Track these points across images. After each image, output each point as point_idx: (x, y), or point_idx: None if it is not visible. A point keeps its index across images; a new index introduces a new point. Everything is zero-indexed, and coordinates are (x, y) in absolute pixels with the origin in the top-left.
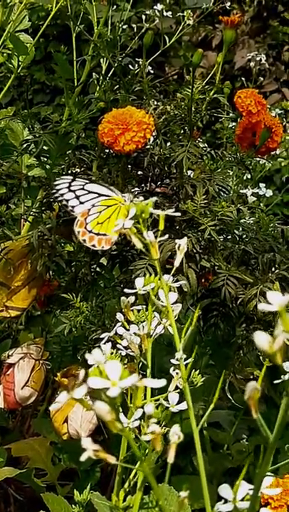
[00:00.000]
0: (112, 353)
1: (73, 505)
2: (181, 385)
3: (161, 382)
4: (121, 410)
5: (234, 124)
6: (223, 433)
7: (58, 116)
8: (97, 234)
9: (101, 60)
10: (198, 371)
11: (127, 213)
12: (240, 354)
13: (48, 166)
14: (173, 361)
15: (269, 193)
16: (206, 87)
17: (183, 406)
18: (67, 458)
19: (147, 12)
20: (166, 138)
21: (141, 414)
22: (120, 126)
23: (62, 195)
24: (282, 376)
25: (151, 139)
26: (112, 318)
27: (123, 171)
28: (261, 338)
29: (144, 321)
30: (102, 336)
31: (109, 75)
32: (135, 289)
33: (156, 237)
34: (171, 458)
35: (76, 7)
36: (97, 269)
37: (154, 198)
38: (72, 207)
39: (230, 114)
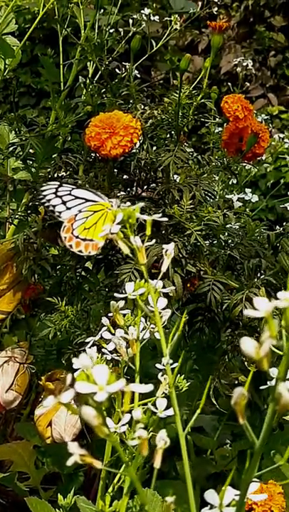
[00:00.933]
0: (97, 357)
1: (57, 509)
2: (168, 391)
3: (148, 388)
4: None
5: (220, 129)
6: (206, 438)
7: (43, 120)
8: (84, 239)
9: (88, 63)
10: (182, 376)
11: (114, 218)
12: (225, 359)
13: (33, 170)
14: (158, 366)
15: (255, 198)
16: (194, 91)
17: (170, 412)
18: (51, 462)
19: (134, 16)
20: (153, 142)
21: (128, 419)
22: (107, 130)
23: (48, 200)
24: (268, 382)
25: (138, 143)
26: (97, 322)
27: (109, 175)
28: (248, 344)
29: (130, 325)
30: (87, 340)
31: (95, 79)
32: (121, 293)
33: (142, 242)
34: (157, 463)
35: (63, 10)
36: (83, 273)
37: (141, 204)
38: (59, 212)
39: (217, 119)
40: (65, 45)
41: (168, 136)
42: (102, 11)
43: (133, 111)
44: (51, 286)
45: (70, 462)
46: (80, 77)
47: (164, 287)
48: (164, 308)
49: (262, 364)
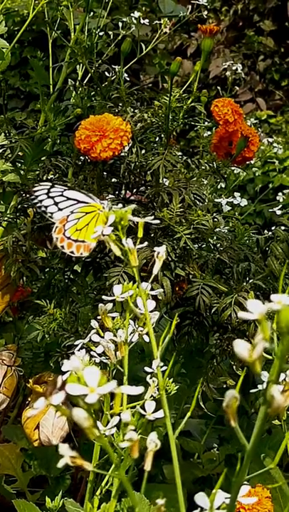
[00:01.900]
0: (85, 360)
1: None
2: (156, 394)
3: (138, 390)
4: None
5: (209, 133)
6: (193, 442)
7: (32, 122)
8: (76, 240)
9: (77, 66)
10: (171, 379)
11: (106, 220)
12: (213, 363)
13: (22, 172)
14: (147, 369)
15: (244, 202)
16: (184, 95)
17: (158, 414)
18: (38, 465)
19: (124, 19)
20: (143, 146)
21: (117, 421)
22: (97, 133)
23: (40, 201)
24: (258, 386)
25: (128, 146)
26: (86, 325)
27: (99, 178)
28: (241, 347)
29: (119, 328)
30: (76, 342)
31: (85, 81)
32: (109, 296)
33: (134, 244)
34: (148, 465)
35: (53, 13)
36: (71, 276)
37: (133, 206)
38: (51, 213)
39: (206, 123)
40: (54, 48)
41: (157, 139)
42: (91, 14)
43: (123, 114)
44: (40, 288)
45: (60, 464)
46: (69, 79)
47: (152, 290)
48: (152, 311)
49: (254, 366)
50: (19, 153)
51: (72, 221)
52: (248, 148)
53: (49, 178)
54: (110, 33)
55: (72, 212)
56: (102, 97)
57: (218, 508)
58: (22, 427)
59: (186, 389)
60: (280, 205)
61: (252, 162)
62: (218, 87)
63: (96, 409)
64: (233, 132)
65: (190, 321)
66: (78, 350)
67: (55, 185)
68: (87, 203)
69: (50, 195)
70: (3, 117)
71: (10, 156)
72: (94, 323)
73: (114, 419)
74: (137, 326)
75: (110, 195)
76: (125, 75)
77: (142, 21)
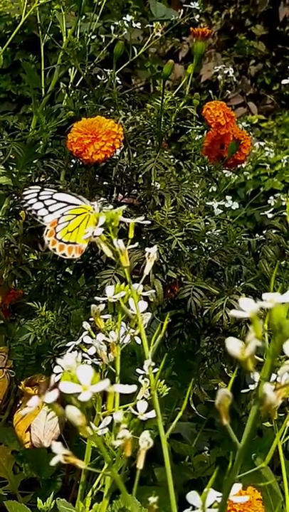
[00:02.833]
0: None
1: None
2: (147, 396)
3: (131, 388)
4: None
5: (200, 136)
6: (184, 444)
7: (24, 126)
8: (68, 242)
9: (69, 69)
10: (162, 381)
11: (97, 221)
12: (204, 366)
13: (14, 175)
14: (139, 371)
15: (235, 205)
16: (176, 98)
17: (150, 414)
18: (29, 467)
19: (116, 23)
20: (135, 148)
21: (109, 421)
22: (89, 135)
23: (31, 205)
24: (249, 386)
25: (119, 149)
26: (78, 327)
27: (91, 180)
28: (233, 344)
29: (111, 329)
30: (68, 344)
31: (77, 84)
32: (101, 298)
33: (125, 245)
34: (140, 464)
35: (45, 16)
36: (63, 278)
37: (124, 207)
38: (42, 216)
39: (198, 126)
40: (45, 52)
41: (149, 142)
42: (83, 17)
43: (115, 116)
44: (31, 291)
45: (53, 462)
46: (61, 83)
47: (143, 291)
48: (144, 312)
49: (246, 364)
50: (11, 156)
51: (63, 223)
52: (239, 151)
53: (41, 180)
54: (102, 36)
55: (62, 215)
56: (95, 99)
57: (209, 507)
58: (13, 429)
59: (177, 391)
60: (272, 209)
61: (243, 166)
62: (210, 91)
63: (88, 408)
64: (224, 135)
65: (181, 324)
66: (70, 352)
67: (45, 189)
68: (77, 204)
69: (40, 198)
70: None
71: (2, 158)
72: (86, 325)
73: (106, 419)
74: (128, 327)
75: (102, 198)
76: (117, 78)
77: (134, 25)
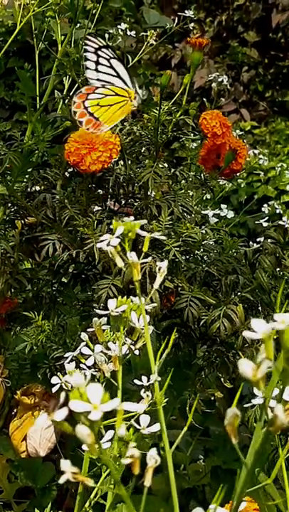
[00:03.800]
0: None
1: None
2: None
3: (139, 407)
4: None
5: (195, 144)
6: (179, 453)
7: (17, 133)
8: (97, 119)
9: (64, 78)
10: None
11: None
12: (201, 375)
13: (9, 184)
14: (137, 382)
15: (230, 214)
16: (173, 107)
17: (154, 428)
18: (24, 476)
19: (110, 31)
20: (132, 158)
21: (111, 435)
22: (86, 145)
23: (86, 50)
24: (252, 400)
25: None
26: (74, 336)
27: (88, 190)
28: (245, 366)
29: (110, 341)
30: (66, 355)
31: (71, 93)
32: (98, 308)
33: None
34: (148, 481)
35: (39, 24)
36: (59, 287)
37: (144, 221)
38: (87, 68)
39: (194, 136)
40: (39, 59)
41: (143, 150)
42: (77, 25)
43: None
44: (27, 300)
45: (62, 480)
46: (55, 91)
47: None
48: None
49: (258, 385)
50: (7, 165)
51: (99, 95)
52: (235, 160)
53: (37, 190)
54: None
55: (103, 86)
56: None
57: None
58: (8, 438)
59: (172, 400)
60: (266, 217)
61: (237, 174)
62: (204, 98)
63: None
64: (221, 145)
65: (178, 333)
66: (68, 363)
67: (108, 49)
68: (125, 82)
69: (99, 53)
70: None
71: None
72: (84, 336)
73: (108, 433)
74: (127, 339)
75: (97, 208)
76: None
77: (128, 33)
